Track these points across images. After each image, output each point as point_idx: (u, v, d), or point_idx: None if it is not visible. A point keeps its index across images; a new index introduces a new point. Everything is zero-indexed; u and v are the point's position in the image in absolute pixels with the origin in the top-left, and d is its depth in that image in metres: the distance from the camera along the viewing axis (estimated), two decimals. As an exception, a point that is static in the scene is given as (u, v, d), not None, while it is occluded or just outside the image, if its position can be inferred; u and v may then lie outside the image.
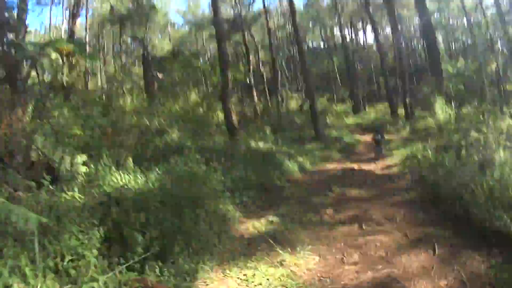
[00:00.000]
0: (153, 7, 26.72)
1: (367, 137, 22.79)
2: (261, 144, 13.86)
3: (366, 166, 13.45)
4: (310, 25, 48.97)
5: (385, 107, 35.85)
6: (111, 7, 27.10)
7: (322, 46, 54.38)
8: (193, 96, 24.50)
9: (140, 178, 6.37)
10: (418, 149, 12.87)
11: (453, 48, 46.22)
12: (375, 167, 13.37)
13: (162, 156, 8.74)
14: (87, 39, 30.85)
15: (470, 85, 17.51)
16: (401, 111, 26.93)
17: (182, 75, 25.13)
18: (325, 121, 25.85)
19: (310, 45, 52.79)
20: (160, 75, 24.10)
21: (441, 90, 13.54)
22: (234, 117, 15.00)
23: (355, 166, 13.46)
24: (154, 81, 24.33)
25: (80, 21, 29.80)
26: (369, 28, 48.57)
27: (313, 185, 10.11)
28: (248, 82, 32.55)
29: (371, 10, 28.62)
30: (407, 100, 23.83)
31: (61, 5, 28.23)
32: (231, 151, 11.52)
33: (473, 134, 9.47)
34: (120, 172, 6.35)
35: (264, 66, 40.46)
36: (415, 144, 15.91)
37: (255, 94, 31.01)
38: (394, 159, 14.64)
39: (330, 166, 13.86)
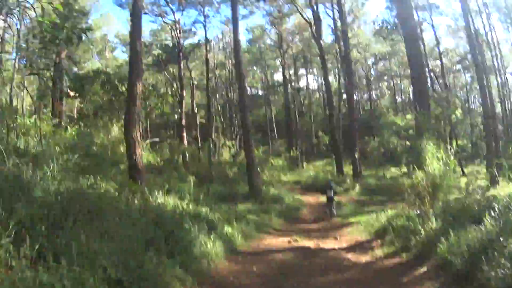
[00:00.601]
0: (84, 13, 20.16)
1: (310, 198, 18.34)
2: (170, 200, 8.47)
3: (325, 242, 8.58)
4: (251, 68, 45.49)
5: (324, 164, 32.21)
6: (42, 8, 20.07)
7: (260, 93, 51.15)
8: (116, 129, 18.45)
9: None
10: (400, 215, 8.40)
11: (399, 101, 44.87)
12: (338, 243, 8.53)
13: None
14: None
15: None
16: (347, 168, 23.18)
17: (105, 100, 18.96)
18: (261, 177, 20.90)
19: (249, 91, 48.87)
20: (71, 93, 17.80)
21: (430, 129, 9.24)
22: (139, 153, 9.62)
23: (310, 242, 8.52)
24: (63, 98, 17.81)
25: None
26: (310, 75, 46.11)
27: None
28: (176, 119, 27.15)
29: (322, 43, 24.92)
30: (356, 155, 20.12)
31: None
32: (115, 208, 6.00)
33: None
34: None
35: (199, 109, 35.70)
36: (378, 207, 12.21)
37: (185, 135, 25.74)
38: (356, 230, 10.04)
39: (273, 241, 8.82)
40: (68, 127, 13.26)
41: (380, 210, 10.93)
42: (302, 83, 46.97)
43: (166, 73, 32.76)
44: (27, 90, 19.37)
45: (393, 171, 23.75)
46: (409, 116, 22.42)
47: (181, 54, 28.10)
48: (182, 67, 28.62)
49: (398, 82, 44.11)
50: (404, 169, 22.31)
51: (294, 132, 36.82)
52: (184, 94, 28.95)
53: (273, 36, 39.47)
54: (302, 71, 45.97)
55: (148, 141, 20.58)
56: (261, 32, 40.61)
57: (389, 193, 16.69)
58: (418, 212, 7.88)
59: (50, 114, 16.11)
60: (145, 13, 30.64)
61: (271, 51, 41.50)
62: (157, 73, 34.57)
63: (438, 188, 8.04)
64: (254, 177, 15.59)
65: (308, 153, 36.07)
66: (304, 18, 28.56)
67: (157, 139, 23.21)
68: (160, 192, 8.51)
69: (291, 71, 41.58)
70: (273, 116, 42.02)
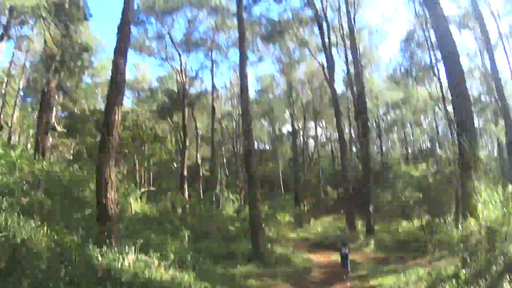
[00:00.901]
0: (85, 49, 18.16)
1: (321, 257, 15.66)
2: (141, 263, 6.28)
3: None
4: (258, 121, 43.75)
5: (333, 219, 29.41)
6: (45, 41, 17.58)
7: (268, 147, 49.21)
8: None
9: None
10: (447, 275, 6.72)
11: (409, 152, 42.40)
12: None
13: None
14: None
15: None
16: (358, 224, 20.68)
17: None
18: (267, 234, 18.29)
19: (256, 146, 46.93)
20: (58, 127, 16.03)
21: (478, 167, 7.07)
22: (111, 197, 7.55)
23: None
24: (48, 133, 15.74)
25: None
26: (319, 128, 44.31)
27: None
28: (177, 168, 24.97)
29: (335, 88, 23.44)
30: (370, 209, 17.92)
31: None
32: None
33: None
34: None
35: (203, 162, 33.71)
36: (399, 266, 10.63)
37: (186, 187, 23.57)
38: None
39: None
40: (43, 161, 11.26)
41: (404, 269, 9.66)
42: (311, 134, 45.24)
43: (171, 121, 30.96)
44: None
45: (404, 225, 21.15)
46: (422, 167, 20.27)
47: (186, 101, 26.36)
48: (187, 115, 26.74)
49: (410, 131, 42.29)
50: (416, 223, 19.74)
51: (301, 186, 34.47)
52: (188, 144, 27.06)
53: (283, 85, 37.94)
54: (311, 123, 44.25)
55: (143, 189, 18.40)
56: (271, 81, 39.37)
57: (408, 249, 14.29)
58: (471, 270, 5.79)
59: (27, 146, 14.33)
60: (150, 55, 29.71)
61: (280, 101, 40.07)
62: (161, 121, 32.84)
63: (495, 238, 5.96)
64: (259, 235, 13.06)
65: (316, 207, 33.30)
66: (318, 62, 27.53)
67: (153, 188, 21.10)
68: (133, 249, 6.37)
69: (300, 123, 39.95)
70: (280, 171, 39.76)
